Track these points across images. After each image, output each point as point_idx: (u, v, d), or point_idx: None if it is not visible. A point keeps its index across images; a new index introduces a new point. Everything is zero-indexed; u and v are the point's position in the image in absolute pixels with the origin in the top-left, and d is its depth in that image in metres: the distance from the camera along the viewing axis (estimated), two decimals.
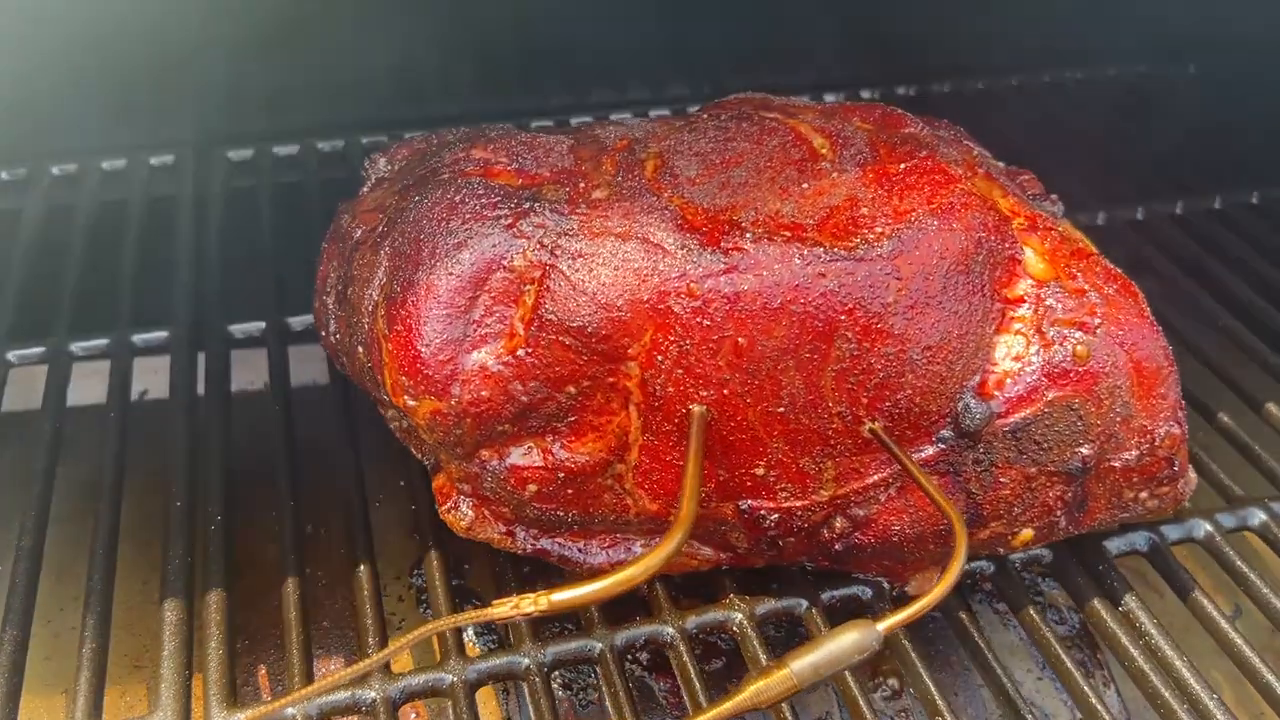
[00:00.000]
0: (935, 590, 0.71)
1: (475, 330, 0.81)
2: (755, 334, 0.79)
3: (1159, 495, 0.89)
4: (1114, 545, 0.99)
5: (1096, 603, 0.94)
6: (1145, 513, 0.91)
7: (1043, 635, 0.93)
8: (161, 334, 1.17)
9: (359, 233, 0.92)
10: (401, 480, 1.12)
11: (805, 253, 0.80)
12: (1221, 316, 1.28)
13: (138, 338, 1.17)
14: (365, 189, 1.01)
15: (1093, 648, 1.12)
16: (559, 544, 0.91)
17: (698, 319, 0.79)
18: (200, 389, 1.13)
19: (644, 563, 0.67)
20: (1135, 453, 0.85)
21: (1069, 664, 0.90)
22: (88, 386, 1.19)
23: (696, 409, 0.80)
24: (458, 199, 0.85)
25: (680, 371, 0.80)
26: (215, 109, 1.47)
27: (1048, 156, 1.24)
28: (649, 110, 1.58)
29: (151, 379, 1.32)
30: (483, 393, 0.81)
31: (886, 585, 0.94)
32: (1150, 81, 1.76)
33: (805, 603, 0.92)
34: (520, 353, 0.81)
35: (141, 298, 1.22)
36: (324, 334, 0.97)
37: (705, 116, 0.98)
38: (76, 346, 1.15)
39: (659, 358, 0.80)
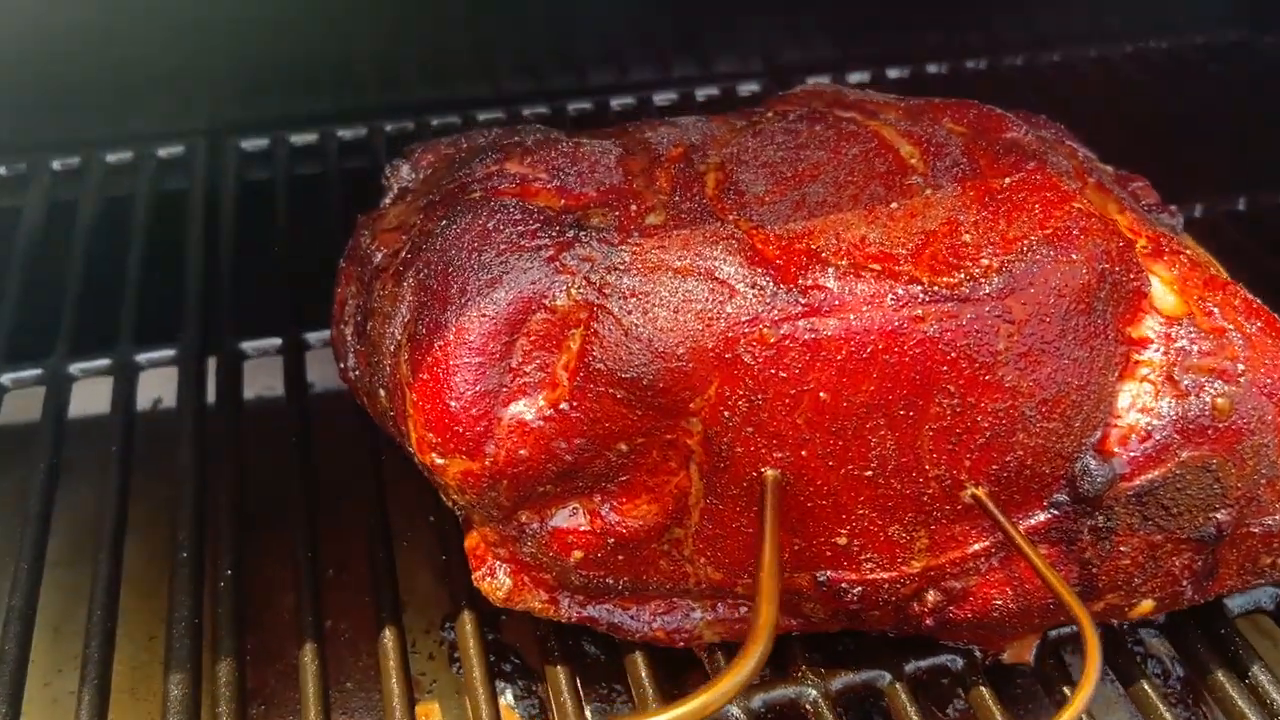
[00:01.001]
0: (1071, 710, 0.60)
1: (512, 380, 0.70)
2: (840, 388, 0.68)
3: None
4: (1235, 603, 0.87)
5: (1220, 675, 0.82)
6: None
7: (1144, 694, 0.82)
8: (168, 352, 1.07)
9: (379, 257, 0.81)
10: (430, 515, 1.02)
11: (900, 291, 0.68)
12: None
13: (142, 356, 1.07)
14: (386, 200, 0.89)
15: (1197, 701, 1.01)
16: (608, 610, 0.80)
17: (772, 370, 0.68)
18: (210, 409, 1.03)
19: (719, 687, 0.56)
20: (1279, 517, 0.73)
21: None
22: (93, 394, 1.09)
23: (770, 474, 0.69)
24: (491, 225, 0.73)
25: (751, 429, 0.69)
26: (228, 94, 1.35)
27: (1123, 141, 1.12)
28: (688, 91, 1.45)
29: (167, 387, 1.22)
30: (521, 451, 0.70)
31: (979, 653, 0.83)
32: (1239, 51, 1.60)
33: (888, 675, 0.82)
34: (564, 406, 0.70)
35: (147, 309, 1.12)
36: (342, 366, 0.86)
37: (770, 115, 0.86)
38: (76, 368, 1.05)
39: (726, 413, 0.69)
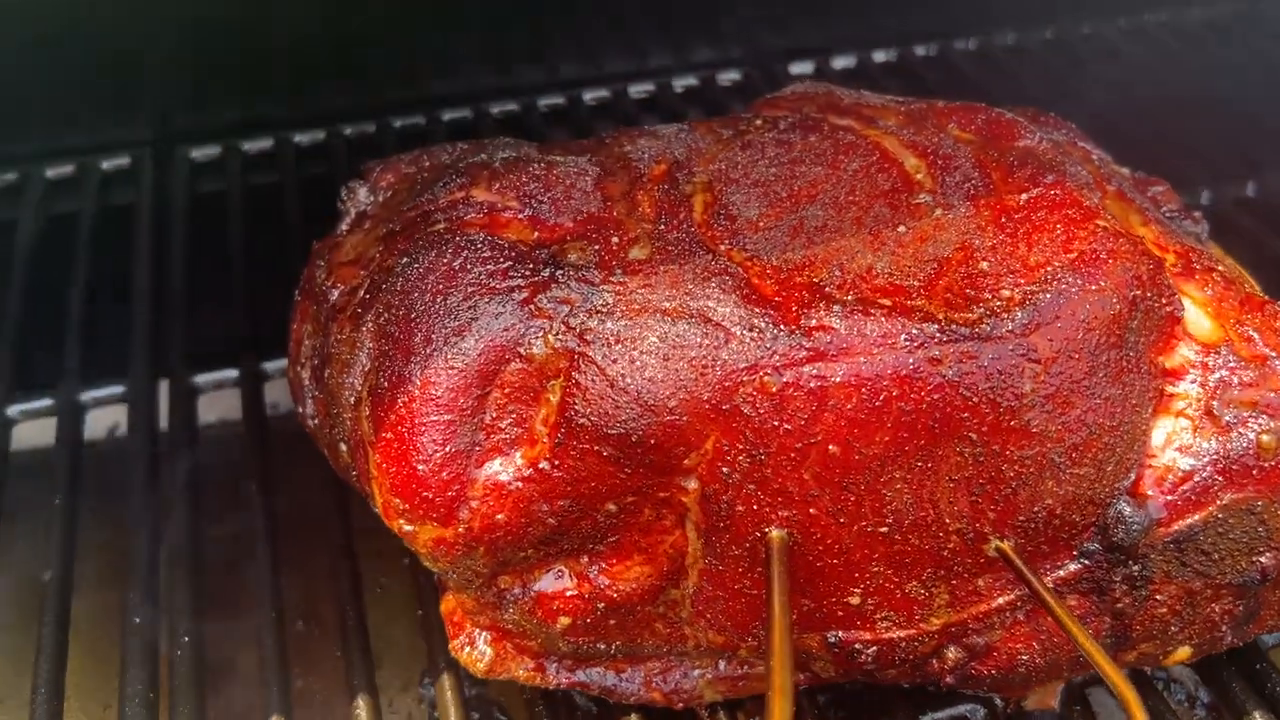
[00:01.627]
0: None
1: (486, 438, 0.63)
2: (850, 439, 0.61)
3: None
4: (1271, 636, 0.81)
5: (1259, 717, 0.76)
6: None
7: None
8: (116, 389, 1.00)
9: (336, 295, 0.74)
10: (406, 558, 0.95)
11: (913, 331, 0.61)
12: None
13: (87, 395, 0.99)
14: (343, 227, 0.82)
15: None
16: (599, 673, 0.74)
17: (774, 421, 0.61)
18: (163, 446, 0.96)
19: None
20: None
21: None
22: (40, 430, 1.01)
23: (776, 535, 0.63)
24: (457, 264, 0.66)
25: (753, 487, 0.62)
26: (175, 99, 1.27)
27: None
28: (665, 82, 1.37)
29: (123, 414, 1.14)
30: (498, 516, 0.63)
31: (999, 701, 0.77)
32: (1240, 22, 1.54)
33: None
34: (544, 465, 0.63)
35: (92, 339, 1.04)
36: (300, 411, 0.79)
37: (760, 124, 0.79)
38: (15, 410, 0.97)
39: (724, 470, 0.62)
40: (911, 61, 1.44)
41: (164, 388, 1.00)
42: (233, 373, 1.01)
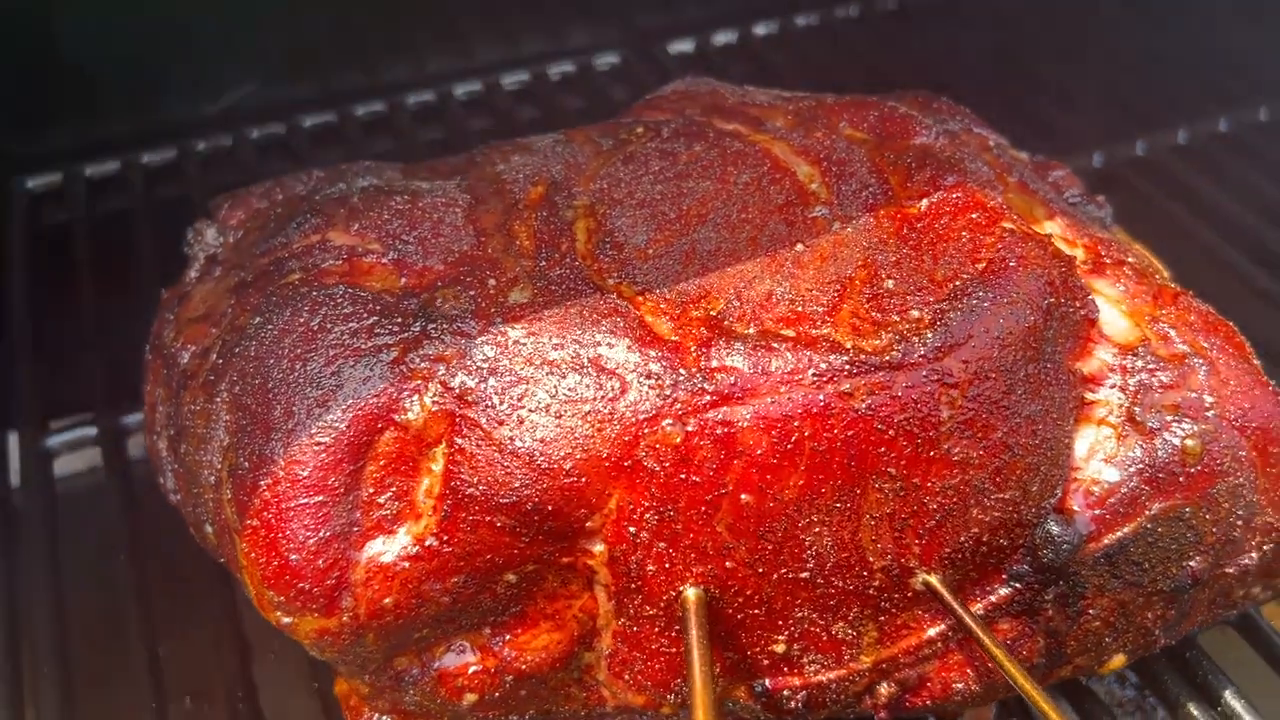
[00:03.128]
0: None
1: (364, 517, 0.57)
2: (763, 486, 0.56)
3: (1276, 586, 0.70)
4: None
5: (1193, 709, 0.75)
6: (1253, 604, 0.72)
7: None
8: None
9: (186, 358, 0.66)
10: None
11: (820, 364, 0.56)
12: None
13: None
14: (192, 274, 0.74)
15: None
16: None
17: (681, 474, 0.56)
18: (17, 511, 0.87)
19: None
20: (1257, 555, 0.65)
21: None
22: None
23: (691, 593, 0.58)
24: (315, 324, 0.59)
25: (663, 545, 0.57)
26: (3, 124, 1.15)
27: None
28: (541, 71, 1.30)
29: None
30: (386, 600, 0.57)
31: None
32: None
33: None
34: (431, 541, 0.57)
35: None
36: (161, 482, 0.72)
37: (641, 132, 0.73)
38: None
39: (631, 529, 0.57)
40: (794, 33, 1.40)
41: (14, 446, 0.92)
42: (90, 430, 0.92)
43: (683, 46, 1.37)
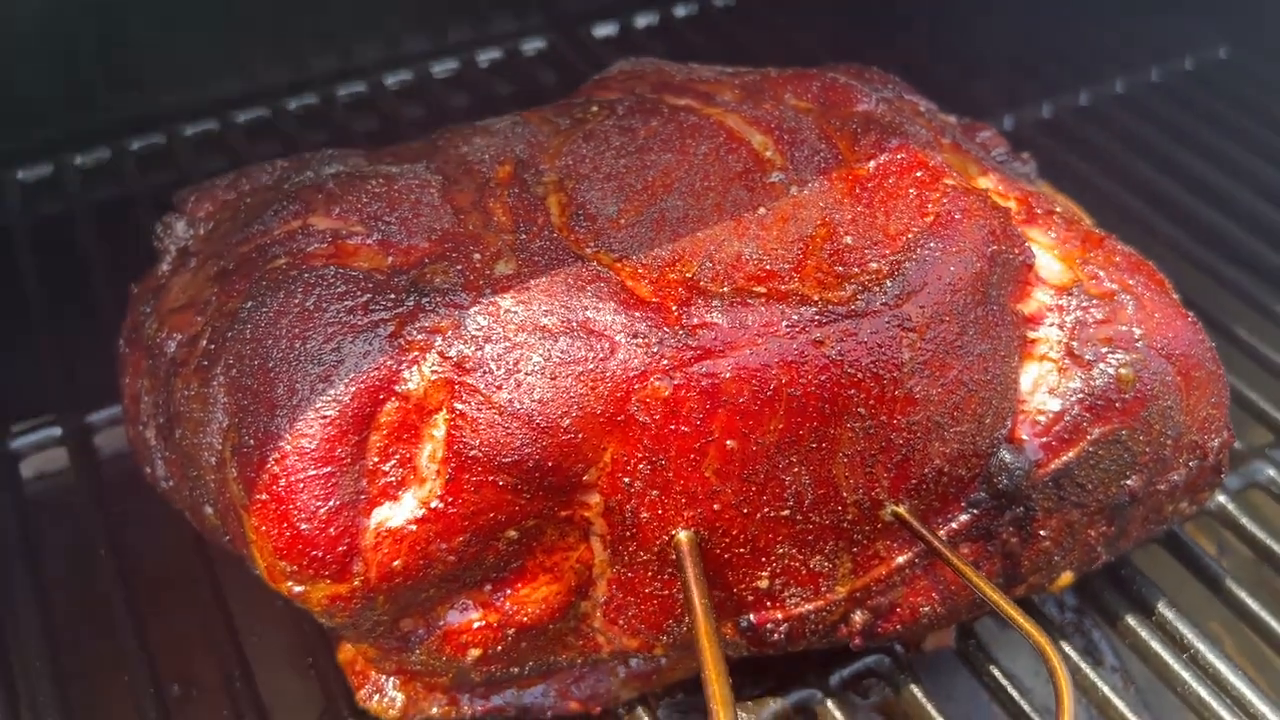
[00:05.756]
0: None
1: (370, 484, 0.60)
2: (747, 432, 0.61)
3: (1199, 501, 0.77)
4: None
5: (1130, 619, 0.81)
6: (1180, 519, 0.79)
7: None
8: None
9: (172, 346, 0.68)
10: (279, 600, 0.90)
11: (792, 316, 0.61)
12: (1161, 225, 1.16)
13: None
14: (165, 267, 0.75)
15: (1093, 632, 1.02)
16: (514, 694, 0.72)
17: (671, 425, 0.60)
18: None
19: None
20: (1184, 472, 0.72)
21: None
22: None
23: (684, 536, 0.62)
24: (310, 304, 0.61)
25: (656, 493, 0.61)
26: None
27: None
28: (469, 58, 1.33)
29: None
30: (395, 562, 0.60)
31: (900, 649, 0.80)
32: None
33: (818, 693, 0.77)
34: (436, 504, 0.60)
35: None
36: (149, 471, 0.73)
37: (596, 110, 0.77)
38: None
39: (626, 480, 0.61)
40: (713, 13, 1.44)
41: None
42: (55, 431, 0.92)
43: (606, 30, 1.41)
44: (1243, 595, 0.84)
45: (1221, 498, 0.89)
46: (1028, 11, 1.47)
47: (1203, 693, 0.77)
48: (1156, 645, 0.79)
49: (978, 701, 0.88)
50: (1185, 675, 0.77)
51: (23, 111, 1.14)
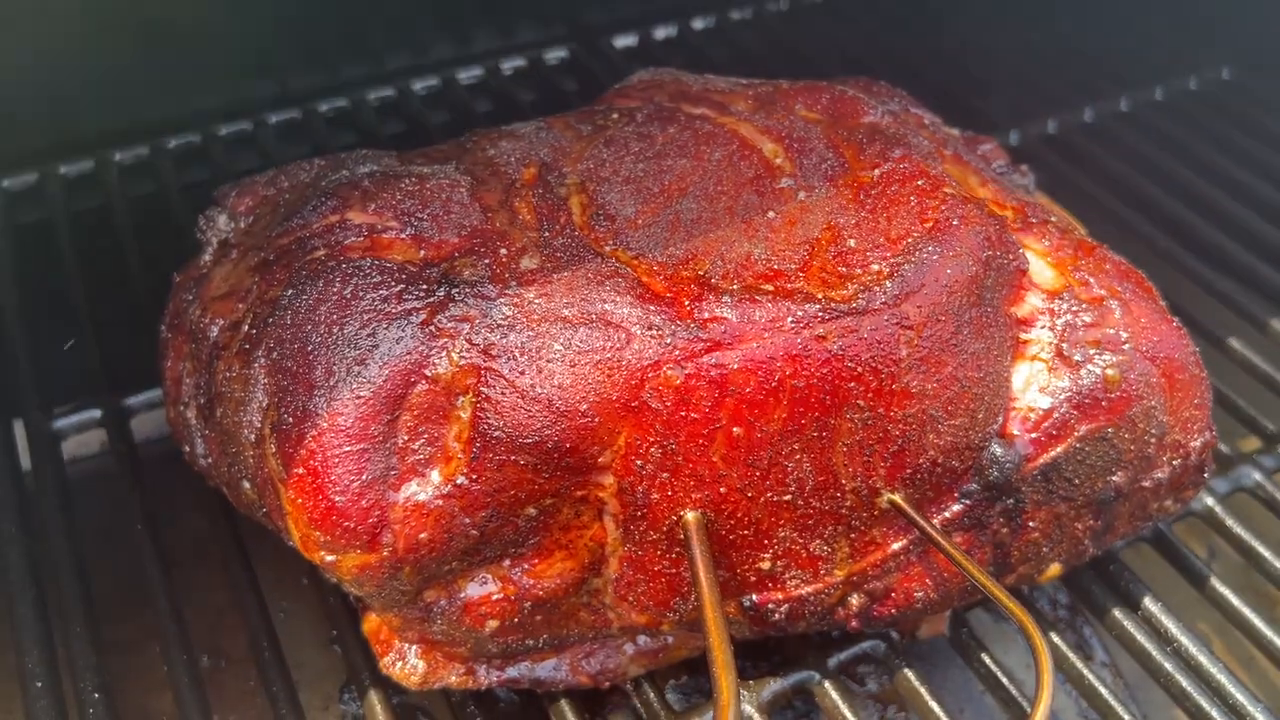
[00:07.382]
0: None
1: (400, 461, 0.64)
2: (753, 419, 0.65)
3: (1183, 499, 0.80)
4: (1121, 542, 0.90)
5: (1117, 613, 0.85)
6: (1165, 516, 0.82)
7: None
8: None
9: (215, 331, 0.73)
10: (304, 577, 0.95)
11: (797, 312, 0.65)
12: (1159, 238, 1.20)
13: None
14: (206, 257, 0.80)
15: (1083, 626, 1.06)
16: (527, 668, 0.76)
17: (681, 412, 0.64)
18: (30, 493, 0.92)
19: None
20: (1168, 470, 0.76)
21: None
22: None
23: (692, 516, 0.66)
24: (348, 292, 0.66)
25: (666, 475, 0.65)
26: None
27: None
28: (494, 65, 1.37)
29: None
30: (421, 535, 0.65)
31: (896, 635, 0.84)
32: None
33: (815, 675, 0.81)
34: (461, 480, 0.64)
35: None
36: (188, 450, 0.78)
37: (616, 117, 0.81)
38: None
39: (639, 463, 0.65)
40: (729, 27, 1.49)
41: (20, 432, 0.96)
42: (95, 413, 0.97)
43: (626, 41, 1.46)
44: (1230, 596, 0.87)
45: (1210, 502, 0.93)
46: (1037, 30, 1.52)
47: (1185, 684, 0.80)
48: (1143, 640, 0.83)
49: (970, 689, 0.92)
50: (1169, 667, 0.81)
51: (66, 111, 1.19)
